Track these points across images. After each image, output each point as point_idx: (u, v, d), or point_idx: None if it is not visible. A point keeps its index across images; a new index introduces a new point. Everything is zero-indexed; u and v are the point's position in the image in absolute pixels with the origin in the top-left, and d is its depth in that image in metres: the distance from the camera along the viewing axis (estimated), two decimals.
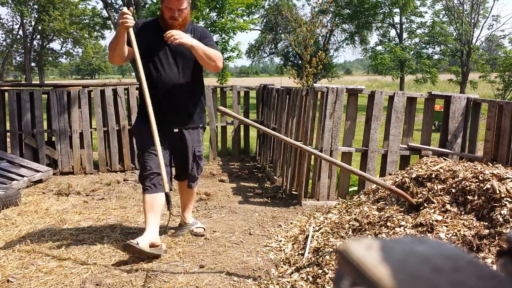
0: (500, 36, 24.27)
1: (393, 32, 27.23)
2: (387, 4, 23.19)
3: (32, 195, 4.37)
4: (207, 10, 16.12)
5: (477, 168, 2.70)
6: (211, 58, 2.80)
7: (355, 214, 3.04)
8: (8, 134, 5.41)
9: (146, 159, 2.90)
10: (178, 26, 2.78)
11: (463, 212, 2.44)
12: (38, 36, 34.92)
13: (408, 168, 3.30)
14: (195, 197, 3.55)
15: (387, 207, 2.86)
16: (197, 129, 3.04)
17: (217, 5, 15.50)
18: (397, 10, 23.24)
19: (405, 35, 24.33)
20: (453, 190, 2.61)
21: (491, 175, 2.51)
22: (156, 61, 2.85)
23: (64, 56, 37.62)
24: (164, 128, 2.89)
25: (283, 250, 3.00)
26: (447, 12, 22.76)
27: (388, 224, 2.63)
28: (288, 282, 2.49)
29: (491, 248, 2.10)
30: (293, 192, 4.40)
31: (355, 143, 4.31)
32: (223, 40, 15.68)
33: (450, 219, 2.42)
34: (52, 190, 4.59)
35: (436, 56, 24.40)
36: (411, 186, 2.84)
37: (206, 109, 3.17)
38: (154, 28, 2.87)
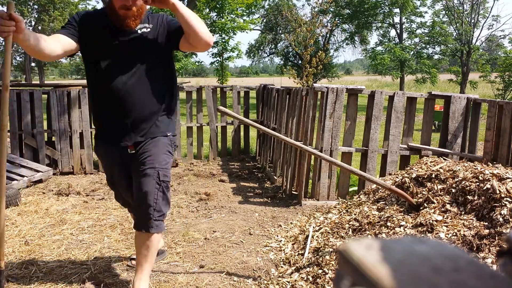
0: (500, 36, 24.28)
1: (393, 32, 27.24)
2: (387, 4, 23.19)
3: (32, 195, 4.37)
4: (207, 10, 16.12)
5: (477, 168, 2.70)
6: (202, 24, 2.12)
7: (355, 214, 3.04)
8: (8, 134, 5.42)
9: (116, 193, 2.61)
10: (132, 18, 2.14)
11: (463, 212, 2.44)
12: None
13: (408, 168, 3.30)
14: (159, 245, 2.42)
15: (387, 207, 2.87)
16: (165, 138, 2.29)
17: (217, 5, 15.49)
18: (397, 10, 23.24)
19: (405, 35, 24.33)
20: (453, 190, 2.61)
21: (491, 175, 2.51)
22: (106, 60, 2.19)
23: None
24: (117, 145, 2.28)
25: (283, 250, 3.00)
26: (447, 12, 22.75)
27: (388, 224, 2.63)
28: (288, 282, 2.49)
29: (491, 248, 2.10)
30: (293, 192, 4.41)
31: (355, 143, 4.31)
32: (223, 40, 15.68)
33: (450, 219, 2.42)
34: (52, 190, 4.59)
35: (436, 56, 24.40)
36: (411, 186, 2.84)
37: (176, 119, 2.48)
38: (101, 20, 2.21)
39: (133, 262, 2.69)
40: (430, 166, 3.03)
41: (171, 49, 2.34)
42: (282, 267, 2.73)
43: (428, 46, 23.80)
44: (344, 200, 3.69)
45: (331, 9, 23.13)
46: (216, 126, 6.18)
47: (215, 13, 16.14)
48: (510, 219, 2.18)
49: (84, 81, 2.64)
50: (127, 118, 2.22)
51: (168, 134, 2.31)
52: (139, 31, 2.21)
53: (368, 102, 4.08)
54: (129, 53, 2.20)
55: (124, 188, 2.43)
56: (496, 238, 2.13)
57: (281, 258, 2.87)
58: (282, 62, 30.33)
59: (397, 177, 3.19)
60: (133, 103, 2.20)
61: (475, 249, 2.15)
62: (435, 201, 2.62)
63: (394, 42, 24.39)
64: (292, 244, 3.04)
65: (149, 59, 2.23)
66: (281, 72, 24.16)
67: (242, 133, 6.43)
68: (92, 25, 2.22)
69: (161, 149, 2.26)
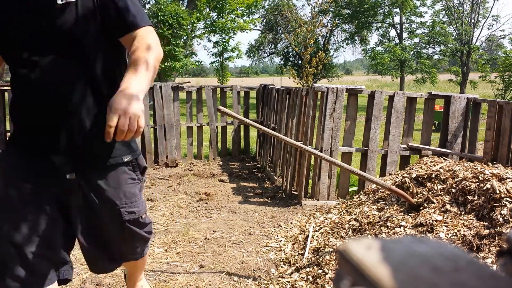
0: (500, 36, 24.31)
1: (393, 32, 27.27)
2: (386, 4, 23.21)
3: None
4: (207, 10, 16.13)
5: (477, 168, 2.70)
6: (156, 68, 1.51)
7: (355, 214, 3.04)
8: (8, 134, 5.42)
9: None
10: None
11: (463, 212, 2.44)
12: None
13: (408, 168, 3.31)
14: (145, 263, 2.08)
15: (387, 207, 2.87)
16: (122, 167, 1.63)
17: (217, 5, 15.51)
18: (397, 10, 23.26)
19: (405, 35, 24.35)
20: (453, 190, 2.61)
21: (491, 175, 2.51)
22: (24, 50, 1.49)
23: None
24: (49, 173, 1.54)
25: (283, 250, 3.00)
26: (447, 12, 22.77)
27: (388, 224, 2.63)
28: (288, 282, 2.49)
29: (491, 248, 2.10)
30: (293, 192, 4.41)
31: (355, 143, 4.32)
32: (223, 40, 15.69)
33: (450, 219, 2.42)
34: None
35: (436, 56, 24.42)
36: (411, 186, 2.84)
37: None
38: None
39: None
40: (430, 166, 3.03)
41: (110, 38, 1.57)
42: (282, 267, 2.73)
43: (428, 46, 23.83)
44: (344, 200, 3.69)
45: (331, 9, 23.14)
46: (216, 126, 6.18)
47: (215, 13, 16.16)
48: (510, 219, 2.18)
49: None
50: (68, 123, 1.52)
51: (126, 160, 1.63)
52: (58, 1, 1.49)
53: (368, 102, 4.08)
54: (61, 33, 1.48)
55: (27, 222, 1.49)
56: (496, 238, 2.13)
57: (281, 258, 2.87)
58: (282, 62, 30.34)
59: (397, 177, 3.19)
60: (75, 104, 1.51)
61: (475, 249, 2.15)
62: (435, 201, 2.62)
63: (394, 42, 24.41)
64: (292, 244, 3.05)
65: (90, 44, 1.52)
66: (281, 72, 24.19)
67: (242, 133, 6.43)
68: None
69: (122, 178, 1.63)
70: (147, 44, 1.50)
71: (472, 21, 22.23)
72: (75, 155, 1.54)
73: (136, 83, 1.40)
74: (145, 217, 1.73)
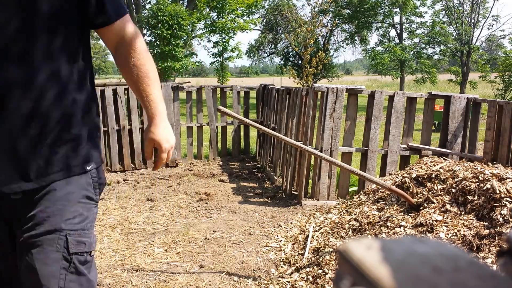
0: (500, 36, 24.30)
1: (393, 32, 27.27)
2: (387, 4, 23.21)
3: None
4: (207, 10, 16.13)
5: (477, 168, 2.70)
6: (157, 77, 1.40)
7: (355, 214, 3.04)
8: None
9: None
10: None
11: (463, 212, 2.44)
12: None
13: (408, 168, 3.31)
14: None
15: (387, 207, 2.87)
16: (80, 179, 1.25)
17: (217, 5, 15.50)
18: (397, 10, 23.26)
19: (405, 35, 24.35)
20: (453, 190, 2.61)
21: (491, 175, 2.51)
22: None
23: None
24: None
25: (283, 250, 3.00)
26: (447, 12, 22.77)
27: (388, 224, 2.63)
28: (288, 282, 2.49)
29: (491, 248, 2.10)
30: (293, 192, 4.41)
31: (355, 143, 4.32)
32: (223, 40, 15.68)
33: (450, 219, 2.42)
34: None
35: (436, 56, 24.42)
36: (411, 186, 2.84)
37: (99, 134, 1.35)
38: None
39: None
40: (430, 166, 3.03)
41: (82, 23, 1.24)
42: (282, 267, 2.73)
43: (428, 46, 23.82)
44: (344, 200, 3.69)
45: (331, 9, 23.14)
46: (216, 126, 6.18)
47: (215, 13, 16.16)
48: (510, 219, 2.18)
49: None
50: (7, 138, 1.15)
51: (88, 168, 1.27)
52: None
53: (368, 102, 4.08)
54: (9, 12, 1.10)
55: None
56: (496, 238, 2.13)
57: (281, 258, 2.87)
58: (282, 62, 30.33)
59: (397, 177, 3.19)
60: (24, 100, 1.14)
61: (475, 249, 2.15)
62: (435, 201, 2.62)
63: (394, 42, 24.41)
64: (292, 244, 3.05)
65: (41, 28, 1.13)
66: (281, 72, 24.19)
67: (242, 133, 6.43)
68: None
69: (74, 194, 1.23)
70: (147, 56, 1.35)
71: (472, 21, 22.23)
72: (20, 169, 1.16)
73: (162, 107, 1.41)
74: (93, 256, 1.26)
